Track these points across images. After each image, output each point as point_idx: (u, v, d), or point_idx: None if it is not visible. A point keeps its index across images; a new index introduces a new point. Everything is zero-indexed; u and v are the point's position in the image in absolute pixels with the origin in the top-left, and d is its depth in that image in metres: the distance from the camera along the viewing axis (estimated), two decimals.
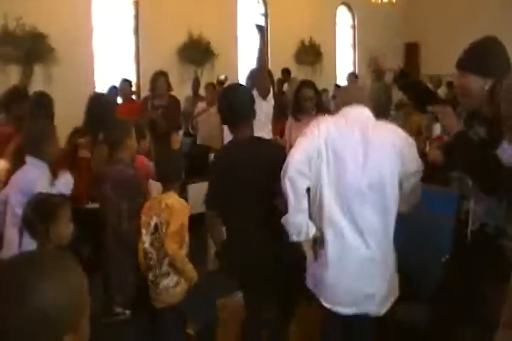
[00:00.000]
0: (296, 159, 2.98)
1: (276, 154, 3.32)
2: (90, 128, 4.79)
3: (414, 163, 3.09)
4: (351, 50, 16.83)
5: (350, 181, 2.99)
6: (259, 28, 5.36)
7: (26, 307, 1.19)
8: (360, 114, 3.12)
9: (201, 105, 8.61)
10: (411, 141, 3.13)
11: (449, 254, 3.11)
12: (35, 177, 3.66)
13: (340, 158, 2.99)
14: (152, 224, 3.56)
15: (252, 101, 3.49)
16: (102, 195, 3.92)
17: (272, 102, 5.28)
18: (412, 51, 17.60)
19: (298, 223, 3.03)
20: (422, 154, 5.54)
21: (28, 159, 3.77)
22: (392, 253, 3.12)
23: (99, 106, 5.00)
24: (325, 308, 3.11)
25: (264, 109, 5.02)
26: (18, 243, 2.95)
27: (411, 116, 9.12)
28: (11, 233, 3.49)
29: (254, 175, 3.25)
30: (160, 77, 6.86)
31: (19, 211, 3.24)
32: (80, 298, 1.28)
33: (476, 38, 2.93)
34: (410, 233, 3.23)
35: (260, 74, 5.14)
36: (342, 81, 14.04)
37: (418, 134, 7.11)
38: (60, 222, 2.86)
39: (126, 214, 3.74)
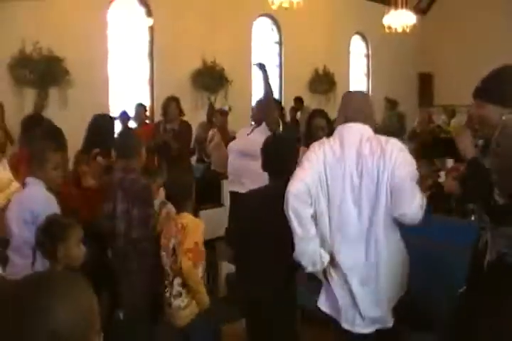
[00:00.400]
0: (295, 189, 2.98)
1: None
2: (89, 147, 4.84)
3: (410, 177, 3.01)
4: (365, 79, 16.89)
5: (347, 208, 2.99)
6: (260, 66, 5.44)
7: (39, 328, 1.21)
8: (357, 134, 3.09)
9: (211, 132, 8.63)
10: (408, 155, 3.07)
11: (465, 285, 3.03)
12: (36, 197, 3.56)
13: (336, 184, 3.00)
14: (171, 246, 3.58)
15: (294, 157, 3.63)
16: (112, 203, 3.94)
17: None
18: (425, 81, 17.64)
19: (310, 252, 3.01)
20: (437, 184, 5.52)
21: (31, 180, 3.63)
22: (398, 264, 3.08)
23: (99, 125, 5.08)
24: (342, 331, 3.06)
25: None
26: (31, 262, 2.98)
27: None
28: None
29: (271, 224, 3.27)
30: (171, 102, 6.94)
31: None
32: (91, 317, 1.30)
33: (491, 68, 2.89)
34: (426, 263, 3.15)
35: (268, 109, 5.25)
36: None
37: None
38: (69, 243, 2.89)
39: (136, 221, 3.76)
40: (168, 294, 3.59)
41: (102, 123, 5.11)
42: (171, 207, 3.87)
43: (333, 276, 3.06)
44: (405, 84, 16.88)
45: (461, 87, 15.54)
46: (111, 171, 4.51)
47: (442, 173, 7.72)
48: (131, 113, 9.06)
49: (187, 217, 3.62)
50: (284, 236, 3.11)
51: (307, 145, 5.47)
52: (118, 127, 9.33)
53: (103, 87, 10.37)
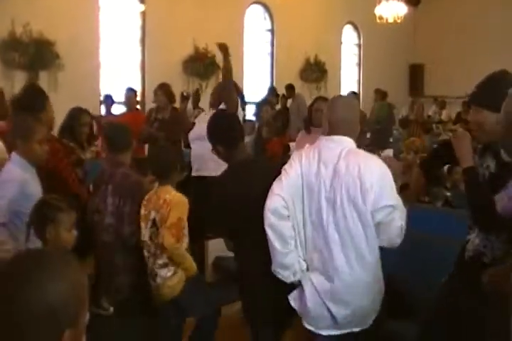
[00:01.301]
0: (273, 205, 2.97)
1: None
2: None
3: (386, 199, 2.94)
4: (356, 69, 16.89)
5: (321, 224, 2.95)
6: (220, 46, 5.52)
7: (34, 302, 1.24)
8: (336, 149, 3.01)
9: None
10: (387, 174, 3.01)
11: (448, 276, 3.07)
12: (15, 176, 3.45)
13: (311, 200, 2.98)
14: (151, 218, 3.58)
15: (241, 126, 3.60)
16: (101, 196, 3.91)
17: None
18: (416, 72, 17.69)
19: (289, 264, 3.00)
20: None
21: (14, 157, 3.54)
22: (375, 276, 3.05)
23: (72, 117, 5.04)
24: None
25: None
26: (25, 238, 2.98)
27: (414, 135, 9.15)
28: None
29: (262, 195, 3.17)
30: (158, 91, 6.94)
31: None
32: (82, 294, 1.33)
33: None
34: (408, 253, 3.17)
35: (227, 92, 5.27)
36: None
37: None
38: (59, 227, 2.88)
39: (127, 217, 3.75)
40: (151, 265, 3.59)
41: (74, 116, 5.04)
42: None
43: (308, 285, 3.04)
44: (396, 74, 16.90)
45: (452, 78, 15.69)
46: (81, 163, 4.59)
47: None
48: (119, 97, 9.01)
49: (170, 193, 3.58)
50: None
51: (307, 128, 5.56)
52: (102, 111, 9.35)
53: (94, 71, 10.33)
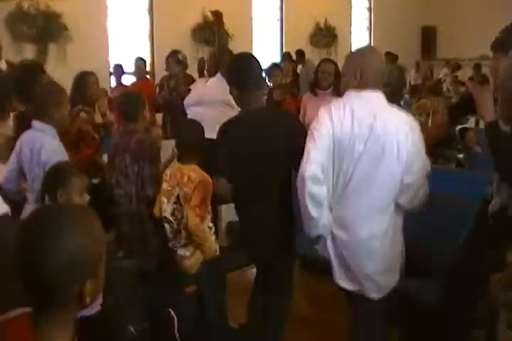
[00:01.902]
0: (312, 173, 2.90)
1: (291, 123, 3.34)
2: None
3: (420, 162, 2.96)
4: (367, 33, 16.68)
5: (350, 176, 2.94)
6: (214, 14, 5.48)
7: (56, 254, 1.29)
8: (370, 105, 2.95)
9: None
10: (419, 138, 2.99)
11: (469, 232, 3.09)
12: (43, 142, 3.57)
13: (343, 160, 2.94)
14: (175, 194, 3.57)
15: (262, 72, 3.45)
16: (119, 167, 3.91)
17: None
18: (428, 35, 17.44)
19: (321, 225, 3.01)
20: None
21: (39, 125, 3.64)
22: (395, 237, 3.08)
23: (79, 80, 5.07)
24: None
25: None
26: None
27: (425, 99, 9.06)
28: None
29: (269, 145, 3.19)
30: (170, 58, 6.92)
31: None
32: (100, 247, 1.39)
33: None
34: (426, 212, 3.18)
35: (222, 58, 5.28)
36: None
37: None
38: (70, 191, 2.94)
39: (149, 179, 3.76)
40: (171, 241, 3.62)
41: (82, 78, 5.07)
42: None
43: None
44: (408, 37, 16.67)
45: (464, 40, 15.47)
46: (94, 126, 4.58)
47: None
48: (128, 67, 9.00)
49: (195, 170, 3.54)
50: (283, 158, 3.17)
51: (313, 90, 5.54)
52: (112, 81, 9.35)
53: (102, 41, 10.29)
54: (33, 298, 1.35)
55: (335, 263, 3.07)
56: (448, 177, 3.97)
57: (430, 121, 5.77)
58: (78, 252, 1.31)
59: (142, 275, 3.79)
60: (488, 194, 2.92)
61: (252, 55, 3.53)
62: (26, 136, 3.66)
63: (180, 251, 3.59)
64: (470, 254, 3.02)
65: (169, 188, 3.60)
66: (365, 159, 2.89)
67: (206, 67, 5.82)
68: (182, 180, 3.53)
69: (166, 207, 3.60)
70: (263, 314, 3.50)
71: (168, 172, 3.66)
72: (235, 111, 4.08)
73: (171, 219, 3.60)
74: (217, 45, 5.38)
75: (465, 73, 13.28)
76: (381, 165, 2.89)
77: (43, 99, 3.66)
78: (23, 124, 3.89)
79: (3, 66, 6.23)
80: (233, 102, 3.56)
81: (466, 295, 3.04)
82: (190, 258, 3.56)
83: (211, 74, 5.59)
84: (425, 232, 3.66)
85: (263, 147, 3.20)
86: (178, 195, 3.55)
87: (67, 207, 1.53)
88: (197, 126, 3.72)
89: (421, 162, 2.96)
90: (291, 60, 11.47)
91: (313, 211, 2.95)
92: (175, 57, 7.03)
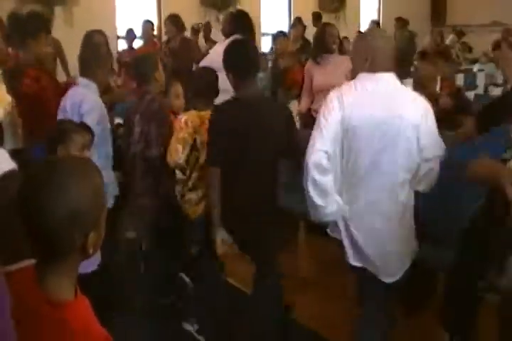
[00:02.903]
0: (316, 160, 2.89)
1: (282, 113, 3.36)
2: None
3: (433, 149, 2.97)
4: None
5: (364, 162, 2.93)
6: None
7: (63, 205, 1.31)
8: (383, 89, 2.92)
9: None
10: (433, 121, 2.98)
11: (484, 199, 3.10)
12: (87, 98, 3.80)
13: (357, 138, 2.90)
14: (191, 142, 3.63)
15: (258, 57, 3.46)
16: (128, 125, 3.99)
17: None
18: (438, 0, 17.15)
19: (329, 212, 3.00)
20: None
21: (83, 81, 3.87)
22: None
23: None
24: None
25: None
26: None
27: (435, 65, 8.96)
28: None
29: (259, 132, 3.21)
30: (167, 21, 6.89)
31: None
32: (101, 197, 1.42)
33: None
34: (440, 178, 3.20)
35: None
36: (365, 29, 13.76)
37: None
38: (69, 147, 2.99)
39: (153, 141, 3.79)
40: (182, 188, 3.70)
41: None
42: None
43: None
44: (418, 2, 16.41)
45: (475, 6, 15.23)
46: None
47: None
48: (138, 31, 8.94)
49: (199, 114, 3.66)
50: (273, 147, 3.20)
51: (315, 58, 5.48)
52: (119, 45, 9.30)
53: (109, 5, 10.20)
54: (38, 250, 1.38)
55: (346, 243, 3.07)
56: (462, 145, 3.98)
57: (438, 88, 5.74)
58: (80, 203, 1.33)
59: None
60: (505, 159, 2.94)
61: (248, 41, 3.58)
62: (71, 92, 3.91)
63: (189, 195, 3.67)
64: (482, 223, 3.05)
65: (185, 135, 3.63)
66: (379, 143, 2.87)
67: (221, 29, 5.71)
68: (202, 126, 3.56)
69: (180, 154, 3.65)
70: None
71: (183, 120, 3.68)
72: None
73: (185, 165, 3.66)
74: (232, 9, 5.27)
75: (471, 39, 13.12)
76: (396, 148, 2.88)
77: (89, 59, 3.94)
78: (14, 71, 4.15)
79: None
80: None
81: (479, 260, 3.07)
82: (198, 205, 3.65)
83: (226, 37, 5.49)
84: (436, 198, 3.68)
85: (256, 131, 3.21)
86: (195, 141, 3.61)
87: (66, 158, 1.58)
88: (209, 72, 3.84)
89: (435, 144, 2.96)
90: (302, 25, 11.34)
91: (317, 200, 2.95)
92: (170, 20, 6.99)
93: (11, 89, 4.14)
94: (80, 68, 3.99)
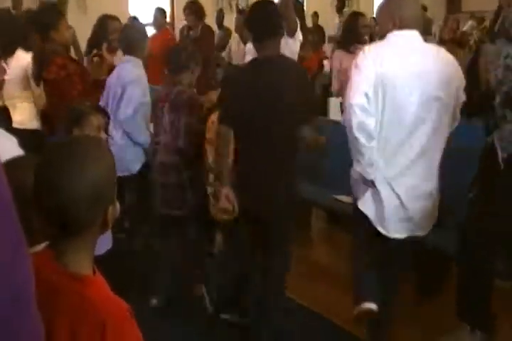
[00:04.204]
0: (360, 102, 2.89)
1: (302, 75, 3.36)
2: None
3: (463, 93, 3.07)
4: None
5: (403, 115, 2.94)
6: None
7: (84, 182, 1.36)
8: (414, 45, 3.00)
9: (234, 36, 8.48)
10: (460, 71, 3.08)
11: (479, 176, 3.12)
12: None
13: (395, 91, 2.91)
14: None
15: (280, 18, 3.41)
16: (156, 115, 4.00)
17: (300, 38, 5.18)
18: None
19: (373, 160, 3.00)
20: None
21: (127, 57, 4.22)
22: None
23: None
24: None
25: (290, 46, 4.94)
26: None
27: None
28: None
29: (277, 94, 3.17)
30: (187, 9, 6.85)
31: None
32: (114, 171, 1.46)
33: None
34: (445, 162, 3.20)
35: (287, 9, 4.96)
36: None
37: None
38: (84, 129, 2.98)
39: (183, 129, 3.78)
40: (215, 187, 3.65)
41: (103, 21, 5.16)
42: None
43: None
44: None
45: None
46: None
47: None
48: (148, 19, 8.89)
49: None
50: (291, 108, 3.16)
51: (346, 47, 5.38)
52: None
53: None
54: (58, 229, 1.40)
55: (387, 203, 3.07)
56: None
57: None
58: (99, 179, 1.38)
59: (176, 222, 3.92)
60: (489, 142, 2.98)
61: (268, 3, 3.50)
62: (117, 68, 4.28)
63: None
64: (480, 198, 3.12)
65: (212, 136, 3.63)
66: (412, 101, 2.92)
67: None
68: None
69: (209, 155, 3.70)
70: (263, 273, 3.51)
71: (211, 119, 3.71)
72: None
73: (213, 165, 3.66)
74: None
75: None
76: (430, 106, 2.94)
77: (133, 38, 4.27)
78: (42, 59, 4.30)
79: None
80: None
81: (485, 242, 3.08)
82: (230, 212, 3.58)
83: None
84: (445, 182, 3.67)
85: (274, 96, 3.17)
86: None
87: (81, 138, 1.63)
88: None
89: (461, 99, 3.06)
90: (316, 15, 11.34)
91: (366, 142, 2.92)
92: (190, 8, 6.96)
93: (36, 76, 4.37)
94: (123, 47, 4.29)
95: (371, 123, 2.91)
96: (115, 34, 4.86)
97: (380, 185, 3.03)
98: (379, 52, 2.96)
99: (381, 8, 3.20)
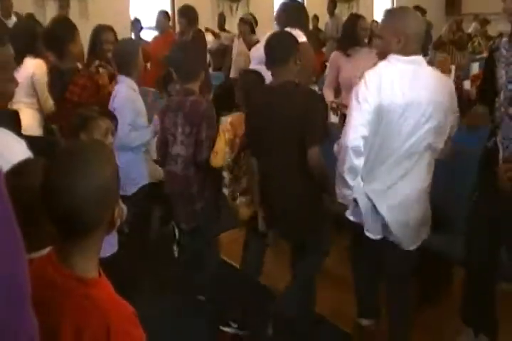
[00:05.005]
0: (355, 145, 2.90)
1: (312, 101, 3.32)
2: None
3: (453, 118, 3.08)
4: None
5: (395, 145, 2.96)
6: None
7: (92, 184, 1.40)
8: (418, 71, 2.95)
9: (236, 41, 8.52)
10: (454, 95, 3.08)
11: (479, 181, 3.13)
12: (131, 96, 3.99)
13: (389, 121, 2.92)
14: (237, 141, 3.66)
15: (292, 47, 3.40)
16: (168, 125, 3.89)
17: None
18: None
19: (353, 190, 3.06)
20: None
21: (121, 78, 4.06)
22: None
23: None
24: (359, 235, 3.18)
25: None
26: None
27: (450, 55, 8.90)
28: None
29: (285, 119, 3.23)
30: (178, 14, 6.91)
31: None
32: (117, 172, 1.51)
33: None
34: (445, 165, 3.23)
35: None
36: (379, 18, 13.66)
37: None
38: (91, 133, 3.01)
39: (205, 143, 3.71)
40: (233, 187, 3.72)
41: (98, 32, 4.98)
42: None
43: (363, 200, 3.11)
44: None
45: None
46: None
47: (467, 82, 7.66)
48: (150, 22, 8.93)
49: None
50: (298, 134, 3.19)
51: (345, 50, 5.29)
52: (132, 36, 9.32)
53: None
54: (65, 232, 1.44)
55: (365, 215, 3.11)
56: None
57: (452, 76, 5.71)
58: (106, 181, 1.43)
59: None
60: (490, 142, 3.00)
61: (282, 33, 3.67)
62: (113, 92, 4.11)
63: (241, 198, 3.68)
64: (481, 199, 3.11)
65: (232, 137, 3.66)
66: (409, 123, 2.92)
67: (276, 18, 5.11)
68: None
69: (227, 156, 3.70)
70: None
71: (229, 121, 3.72)
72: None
73: (233, 165, 3.70)
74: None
75: (493, 28, 12.97)
76: (423, 127, 2.94)
77: (125, 57, 4.07)
78: (56, 78, 4.27)
79: (13, 21, 6.28)
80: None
81: (488, 245, 3.09)
82: (248, 208, 3.65)
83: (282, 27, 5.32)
84: (447, 187, 3.70)
85: (275, 119, 3.24)
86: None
87: (86, 142, 1.73)
88: (256, 74, 3.89)
89: (454, 128, 3.11)
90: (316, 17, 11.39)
91: (351, 182, 2.99)
92: (181, 12, 7.01)
93: (58, 97, 4.32)
94: (117, 66, 4.16)
95: (361, 163, 2.97)
96: (109, 44, 4.82)
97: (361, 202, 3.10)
98: (380, 82, 2.90)
99: (385, 22, 3.10)
